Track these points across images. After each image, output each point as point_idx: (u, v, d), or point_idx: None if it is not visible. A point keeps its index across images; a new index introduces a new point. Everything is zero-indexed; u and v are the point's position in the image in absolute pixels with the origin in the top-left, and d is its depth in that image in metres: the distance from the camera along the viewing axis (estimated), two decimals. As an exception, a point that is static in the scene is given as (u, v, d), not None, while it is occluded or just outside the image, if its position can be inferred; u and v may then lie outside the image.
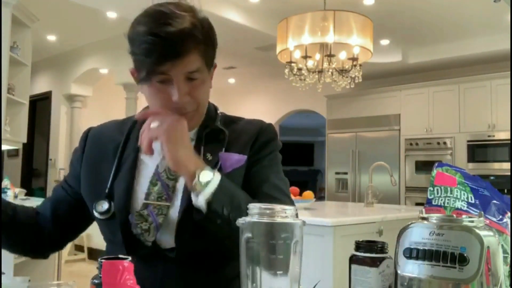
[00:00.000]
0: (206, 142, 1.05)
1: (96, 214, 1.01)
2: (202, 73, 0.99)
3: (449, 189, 0.90)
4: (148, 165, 1.05)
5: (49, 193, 7.31)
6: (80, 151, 1.13)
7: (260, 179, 1.04)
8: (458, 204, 0.88)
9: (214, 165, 1.01)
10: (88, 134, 1.14)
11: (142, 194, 1.02)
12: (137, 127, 1.08)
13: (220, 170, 1.00)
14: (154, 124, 0.92)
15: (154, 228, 0.99)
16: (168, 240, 1.00)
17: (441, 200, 0.90)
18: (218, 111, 1.13)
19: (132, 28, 0.98)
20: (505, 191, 5.18)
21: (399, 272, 0.75)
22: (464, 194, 0.89)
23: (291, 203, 1.03)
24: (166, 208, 1.00)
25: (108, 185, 1.03)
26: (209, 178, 0.90)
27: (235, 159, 1.04)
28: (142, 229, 0.99)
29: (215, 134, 1.07)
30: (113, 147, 1.08)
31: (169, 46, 0.91)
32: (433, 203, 0.90)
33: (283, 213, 0.70)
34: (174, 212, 1.00)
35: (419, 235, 0.74)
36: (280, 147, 1.13)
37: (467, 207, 0.87)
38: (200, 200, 0.89)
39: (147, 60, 0.93)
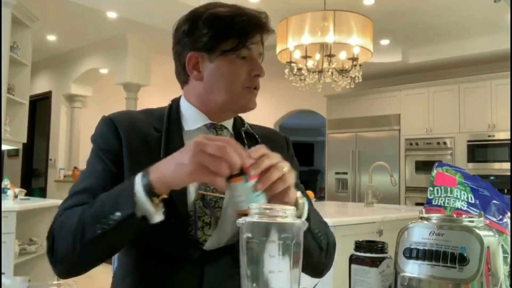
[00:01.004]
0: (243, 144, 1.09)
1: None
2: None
3: (449, 189, 0.90)
4: None
5: (49, 193, 7.33)
6: (115, 140, 1.00)
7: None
8: (458, 204, 0.88)
9: None
10: (114, 122, 1.03)
11: (193, 191, 0.99)
12: (173, 121, 1.06)
13: None
14: (286, 169, 0.84)
15: (214, 221, 0.98)
16: (217, 240, 0.98)
17: (441, 200, 0.90)
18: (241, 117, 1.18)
19: (202, 13, 1.03)
20: (505, 191, 5.18)
21: (399, 272, 0.75)
22: (464, 194, 0.89)
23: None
24: (221, 201, 1.00)
25: None
26: (301, 197, 0.91)
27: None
28: (204, 222, 0.98)
29: (247, 136, 1.12)
30: (153, 142, 1.01)
31: (258, 21, 1.03)
32: (433, 203, 0.90)
33: (283, 213, 0.70)
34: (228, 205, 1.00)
35: (419, 235, 0.74)
36: None
37: (467, 207, 0.87)
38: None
39: (239, 32, 1.00)
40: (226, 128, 1.09)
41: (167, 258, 0.97)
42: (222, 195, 1.00)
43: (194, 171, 0.77)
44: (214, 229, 0.99)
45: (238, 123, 1.14)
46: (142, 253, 1.01)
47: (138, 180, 0.82)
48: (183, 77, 1.07)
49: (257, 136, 1.13)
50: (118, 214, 0.81)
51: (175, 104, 1.11)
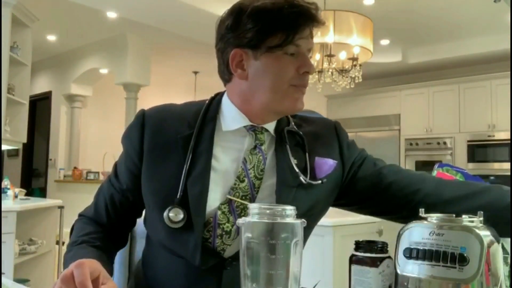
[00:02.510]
0: (288, 144, 1.00)
1: (168, 222, 0.90)
2: None
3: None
4: (226, 163, 0.97)
5: (49, 193, 7.32)
6: (138, 144, 0.98)
7: (393, 175, 1.02)
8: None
9: (302, 168, 0.97)
10: (144, 121, 0.99)
11: (217, 196, 0.94)
12: (209, 119, 0.99)
13: (312, 175, 0.98)
14: None
15: (236, 230, 0.92)
16: (237, 248, 0.91)
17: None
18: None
19: (245, 7, 0.93)
20: (505, 191, 5.18)
21: (399, 272, 0.75)
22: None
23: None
24: (246, 208, 0.93)
25: (181, 189, 0.92)
26: None
27: (330, 164, 1.00)
28: (223, 231, 0.92)
29: (292, 135, 1.02)
30: (182, 140, 0.96)
31: (307, 14, 0.92)
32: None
33: (283, 213, 0.70)
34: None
35: (419, 235, 0.74)
36: None
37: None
38: None
39: (286, 26, 0.91)
40: (267, 130, 1.00)
41: (184, 263, 0.94)
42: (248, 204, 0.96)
43: None
44: (234, 239, 0.93)
45: (283, 120, 1.04)
46: (163, 251, 0.98)
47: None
48: (226, 75, 0.99)
49: (302, 134, 1.03)
50: None
51: (216, 100, 1.03)
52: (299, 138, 1.02)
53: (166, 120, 0.99)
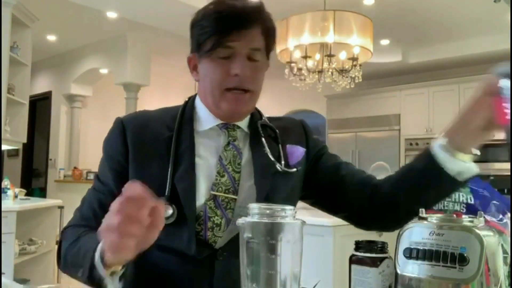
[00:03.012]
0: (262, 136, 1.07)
1: None
2: (262, 57, 1.02)
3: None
4: (208, 160, 1.01)
5: (49, 193, 7.32)
6: (121, 146, 1.00)
7: (348, 169, 1.10)
8: (457, 207, 0.89)
9: (276, 157, 1.03)
10: (124, 126, 1.02)
11: (203, 192, 0.98)
12: (186, 121, 1.04)
13: (286, 163, 1.04)
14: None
15: (225, 222, 0.97)
16: (227, 240, 0.97)
17: (441, 203, 0.91)
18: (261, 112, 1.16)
19: (199, 12, 1.01)
20: (505, 191, 5.18)
21: (399, 272, 0.75)
22: (463, 195, 0.90)
23: None
24: (233, 202, 0.98)
25: (168, 186, 0.96)
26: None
27: (300, 151, 1.07)
28: (214, 223, 0.96)
29: (264, 129, 1.08)
30: (163, 142, 1.00)
31: (236, 16, 0.95)
32: (434, 207, 0.91)
33: (283, 213, 0.70)
34: (242, 202, 0.98)
35: (419, 235, 0.74)
36: None
37: (466, 212, 0.88)
38: None
39: (215, 30, 0.95)
40: (239, 127, 1.06)
41: (178, 255, 0.96)
42: (234, 196, 0.99)
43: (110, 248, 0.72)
44: (224, 231, 0.97)
45: (256, 116, 1.11)
46: (154, 250, 0.99)
47: (100, 245, 0.78)
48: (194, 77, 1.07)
49: (273, 126, 1.09)
50: (81, 271, 0.82)
51: (190, 102, 1.09)
52: (271, 131, 1.08)
53: (146, 124, 1.03)
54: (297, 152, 1.07)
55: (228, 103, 0.99)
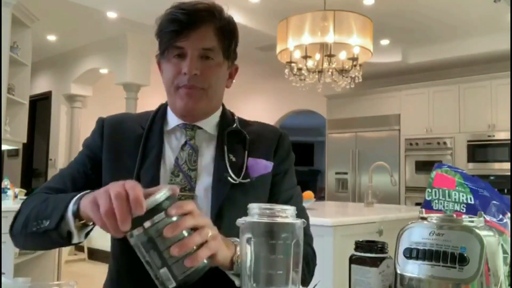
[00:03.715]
0: (228, 143, 1.08)
1: None
2: (217, 56, 1.04)
3: (447, 192, 0.90)
4: (171, 158, 1.06)
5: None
6: (99, 139, 1.10)
7: (287, 196, 1.09)
8: (457, 207, 0.89)
9: (239, 167, 1.04)
10: (104, 123, 1.12)
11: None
12: (157, 120, 1.11)
13: (245, 174, 1.04)
14: (210, 234, 0.75)
15: None
16: None
17: (441, 204, 0.91)
18: (235, 116, 1.17)
19: (160, 16, 1.06)
20: (505, 191, 5.18)
21: (399, 272, 0.75)
22: (463, 195, 0.89)
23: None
24: (190, 199, 1.01)
25: (134, 176, 1.02)
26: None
27: (263, 165, 1.07)
28: None
29: (235, 135, 1.10)
30: (135, 138, 1.08)
31: (186, 17, 0.99)
32: (434, 207, 0.91)
33: (283, 213, 0.70)
34: (200, 204, 1.00)
35: (419, 235, 0.74)
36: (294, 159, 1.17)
37: (466, 212, 0.88)
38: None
39: (165, 32, 1.01)
40: (200, 128, 1.09)
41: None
42: (191, 194, 1.02)
43: (89, 209, 0.76)
44: None
45: (227, 120, 1.13)
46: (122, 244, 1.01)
47: (75, 198, 0.84)
48: None
49: (246, 133, 1.10)
50: (47, 222, 0.86)
51: (164, 104, 1.15)
52: (241, 137, 1.10)
53: (123, 122, 1.12)
54: (259, 166, 1.06)
55: (181, 100, 1.04)
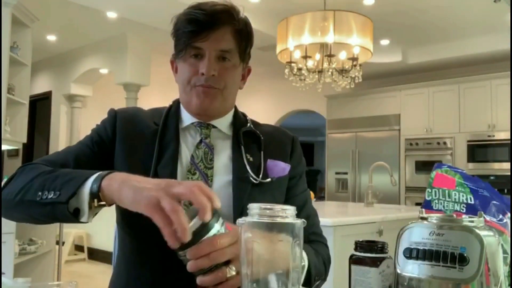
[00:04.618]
0: (244, 143, 1.09)
1: None
2: (234, 58, 1.06)
3: (447, 192, 0.90)
4: (187, 156, 1.07)
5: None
6: (110, 130, 1.08)
7: (302, 199, 1.12)
8: (457, 207, 0.89)
9: (257, 167, 1.06)
10: (116, 115, 1.11)
11: None
12: (171, 117, 1.11)
13: (264, 175, 1.06)
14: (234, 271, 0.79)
15: None
16: None
17: (441, 204, 0.91)
18: (247, 117, 1.19)
19: (175, 17, 1.06)
20: (505, 191, 5.18)
21: (399, 272, 0.75)
22: (463, 196, 0.89)
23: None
24: None
25: (151, 172, 1.01)
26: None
27: (281, 167, 1.09)
28: None
29: (249, 135, 1.12)
30: (150, 133, 1.07)
31: (205, 18, 1.00)
32: (434, 207, 0.91)
33: (283, 213, 0.70)
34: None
35: (419, 235, 0.74)
36: None
37: (466, 212, 0.88)
38: None
39: (184, 32, 1.02)
40: (214, 127, 1.11)
41: (160, 256, 0.96)
42: None
43: (149, 206, 0.73)
44: None
45: (240, 121, 1.15)
46: (137, 249, 1.03)
47: (94, 177, 0.82)
48: None
49: (260, 135, 1.12)
50: (53, 194, 0.83)
51: (176, 102, 1.16)
52: (255, 138, 1.12)
53: (136, 116, 1.11)
54: (278, 168, 1.08)
55: (198, 97, 1.05)
